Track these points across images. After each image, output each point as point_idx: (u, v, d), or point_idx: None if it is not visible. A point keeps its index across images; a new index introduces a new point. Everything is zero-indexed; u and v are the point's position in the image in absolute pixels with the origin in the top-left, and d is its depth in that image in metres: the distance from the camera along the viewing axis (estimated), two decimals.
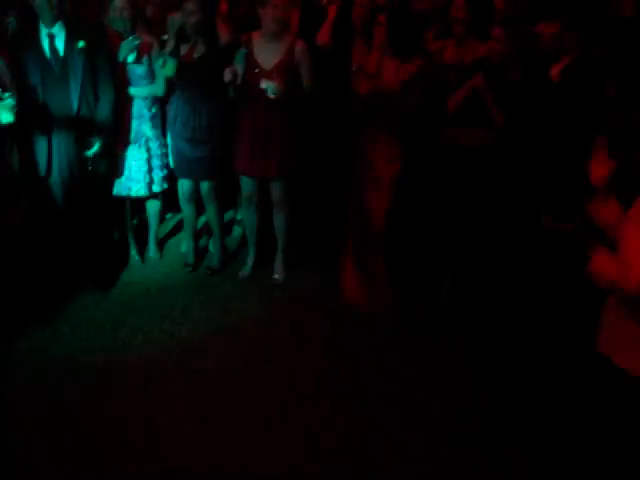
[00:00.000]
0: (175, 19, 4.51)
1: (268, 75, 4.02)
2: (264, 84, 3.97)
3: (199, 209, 4.74)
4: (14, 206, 3.95)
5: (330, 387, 3.58)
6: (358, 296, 4.29)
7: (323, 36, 4.40)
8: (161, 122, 4.55)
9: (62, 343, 3.93)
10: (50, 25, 3.90)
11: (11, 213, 3.94)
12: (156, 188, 4.61)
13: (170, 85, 4.37)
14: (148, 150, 4.50)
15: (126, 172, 4.48)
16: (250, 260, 4.67)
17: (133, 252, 4.85)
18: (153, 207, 4.78)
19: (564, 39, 3.72)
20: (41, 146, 4.05)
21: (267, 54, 4.13)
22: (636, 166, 2.41)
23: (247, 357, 3.81)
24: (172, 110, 4.41)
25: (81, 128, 4.07)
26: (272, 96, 3.98)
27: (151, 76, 4.38)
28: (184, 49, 4.28)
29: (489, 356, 3.75)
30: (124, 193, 4.55)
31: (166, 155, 4.61)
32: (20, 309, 4.03)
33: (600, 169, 2.37)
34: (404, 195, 4.16)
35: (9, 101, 3.62)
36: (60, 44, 3.95)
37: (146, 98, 4.42)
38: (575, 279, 2.55)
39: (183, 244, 4.98)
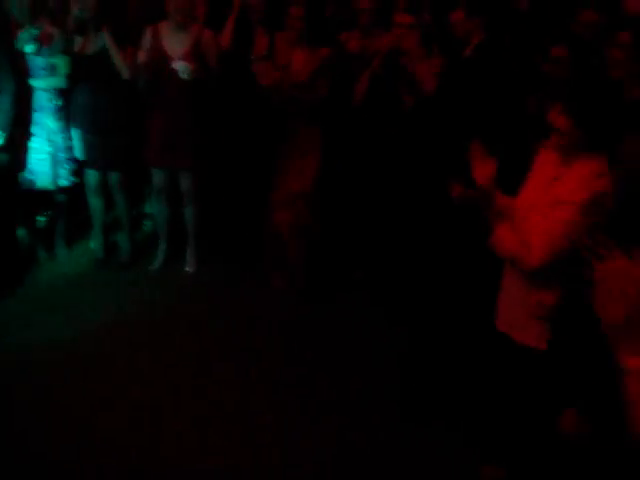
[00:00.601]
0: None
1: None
2: (176, 64, 4.01)
3: (107, 203, 4.65)
4: None
5: (237, 373, 3.61)
6: (275, 280, 4.35)
7: (225, 40, 4.38)
8: (65, 114, 4.44)
9: None
10: None
11: None
12: (62, 182, 4.49)
13: (71, 78, 4.27)
14: (52, 143, 4.39)
15: (30, 165, 4.35)
16: (161, 253, 4.64)
17: (40, 249, 4.72)
18: (61, 201, 4.66)
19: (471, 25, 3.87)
20: None
21: (175, 43, 4.13)
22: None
23: (156, 349, 3.79)
24: (75, 101, 4.31)
25: None
26: (184, 76, 4.01)
27: (52, 68, 4.26)
28: (79, 42, 4.22)
29: (399, 340, 3.81)
30: (28, 186, 4.41)
31: (71, 148, 4.50)
32: None
33: (483, 170, 2.45)
34: (325, 182, 4.23)
35: None
36: None
37: (47, 90, 4.30)
38: (480, 252, 2.63)
39: (92, 239, 4.88)
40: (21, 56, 4.16)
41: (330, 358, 3.78)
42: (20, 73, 4.11)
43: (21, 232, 4.73)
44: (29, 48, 4.18)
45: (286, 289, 4.34)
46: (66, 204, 4.69)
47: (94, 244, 4.80)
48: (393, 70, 3.95)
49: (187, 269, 4.59)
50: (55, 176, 4.44)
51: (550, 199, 2.33)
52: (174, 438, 3.16)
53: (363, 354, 3.82)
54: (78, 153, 4.47)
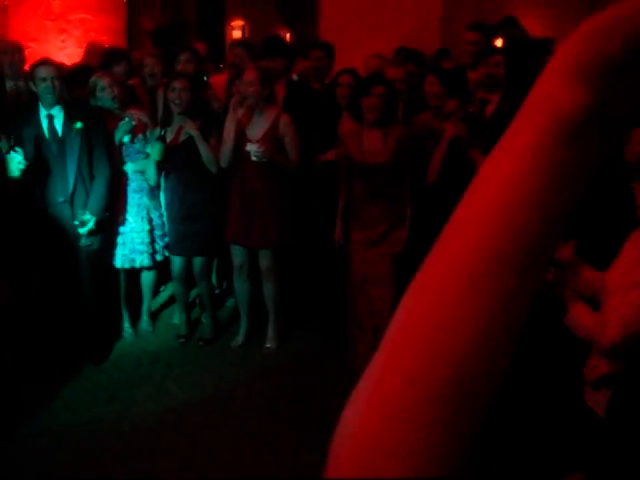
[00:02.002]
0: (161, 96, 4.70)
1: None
2: (248, 147, 4.17)
3: (191, 282, 4.82)
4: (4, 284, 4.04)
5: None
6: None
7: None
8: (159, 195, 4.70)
9: (55, 417, 3.94)
10: (49, 107, 4.07)
11: (4, 291, 4.03)
12: (159, 257, 4.72)
13: (161, 167, 4.52)
14: (150, 221, 4.64)
15: (129, 245, 4.60)
16: (242, 329, 4.73)
17: (126, 324, 4.90)
18: (148, 278, 4.86)
19: None
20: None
21: (253, 125, 4.33)
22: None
23: (240, 430, 3.81)
24: (168, 191, 4.57)
25: (76, 207, 4.21)
26: (254, 159, 4.16)
27: (146, 155, 4.52)
28: (172, 132, 4.45)
29: None
30: (127, 265, 4.65)
31: (164, 224, 4.73)
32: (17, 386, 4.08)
33: (566, 247, 2.48)
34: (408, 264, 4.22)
35: (18, 156, 3.73)
36: (59, 125, 4.12)
37: (143, 172, 4.57)
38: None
39: (175, 316, 5.04)
40: (116, 145, 4.46)
41: None
42: (114, 161, 4.40)
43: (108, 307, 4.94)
44: (126, 138, 4.47)
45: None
46: (154, 281, 4.89)
47: (178, 320, 4.94)
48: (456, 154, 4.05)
49: (268, 345, 4.65)
50: (152, 252, 4.67)
51: (633, 280, 2.32)
52: None
53: None
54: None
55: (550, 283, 2.47)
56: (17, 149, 3.85)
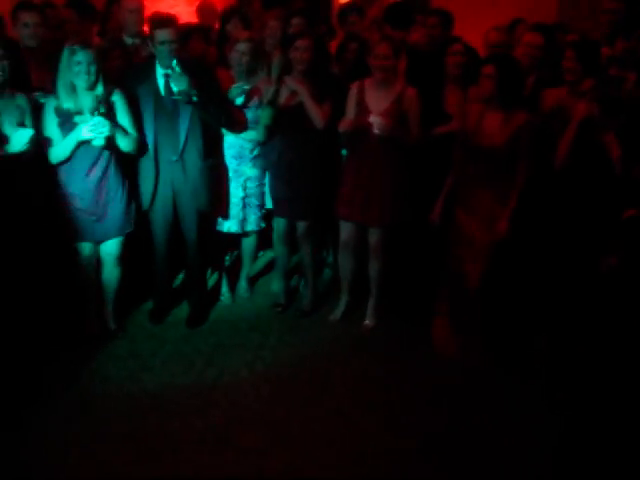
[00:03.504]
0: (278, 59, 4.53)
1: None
2: (372, 118, 4.02)
3: (292, 249, 4.74)
4: None
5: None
6: (451, 350, 4.18)
7: None
8: (262, 163, 4.59)
9: (152, 375, 3.98)
10: (166, 66, 4.03)
11: None
12: (249, 227, 4.64)
13: (270, 131, 4.41)
14: (245, 189, 4.55)
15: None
16: (342, 305, 4.63)
17: (224, 289, 4.88)
18: (249, 245, 4.81)
19: None
20: (147, 182, 4.20)
21: (377, 100, 4.16)
22: None
23: (334, 407, 3.73)
24: (274, 151, 4.45)
25: (187, 165, 4.21)
26: (377, 131, 4.01)
27: (256, 122, 4.44)
28: (285, 93, 4.34)
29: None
30: (218, 228, 4.61)
31: (263, 195, 4.65)
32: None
33: None
34: (503, 256, 4.02)
35: (28, 131, 3.67)
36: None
37: (249, 141, 4.49)
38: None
39: (274, 283, 4.98)
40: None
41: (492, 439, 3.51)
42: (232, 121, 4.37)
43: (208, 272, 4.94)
44: (238, 101, 4.39)
45: (460, 356, 4.14)
46: (253, 248, 4.84)
47: (276, 288, 4.89)
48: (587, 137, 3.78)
49: (366, 322, 4.54)
50: (244, 221, 4.60)
51: None
52: None
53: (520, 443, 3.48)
54: (270, 201, 4.62)
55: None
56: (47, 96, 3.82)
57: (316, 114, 4.24)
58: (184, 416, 3.60)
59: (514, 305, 4.14)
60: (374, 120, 4.03)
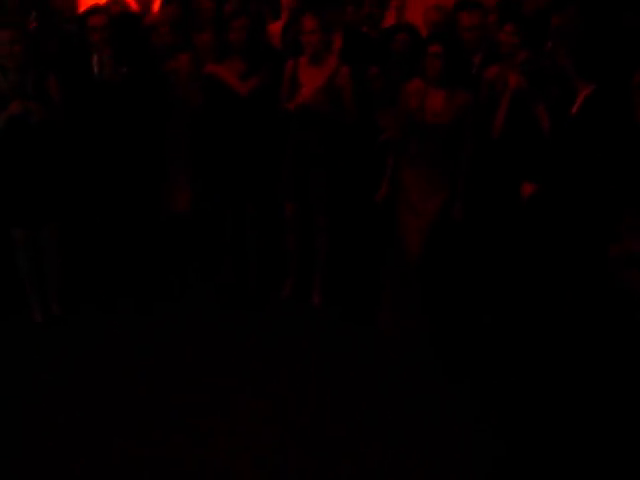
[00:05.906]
0: None
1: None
2: (301, 95, 4.08)
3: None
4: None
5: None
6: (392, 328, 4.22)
7: None
8: None
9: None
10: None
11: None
12: None
13: None
14: None
15: None
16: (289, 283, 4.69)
17: None
18: None
19: None
20: None
21: (311, 77, 4.18)
22: None
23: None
24: None
25: None
26: (301, 101, 4.05)
27: None
28: None
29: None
30: None
31: None
32: None
33: None
34: (443, 227, 4.10)
35: None
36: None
37: None
38: None
39: None
40: None
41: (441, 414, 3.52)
42: None
43: None
44: None
45: (400, 334, 4.16)
46: None
47: None
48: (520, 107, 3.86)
49: (313, 300, 4.57)
50: None
51: None
52: None
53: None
54: None
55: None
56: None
57: (237, 88, 4.23)
58: None
59: (456, 283, 4.21)
60: (302, 97, 4.07)
